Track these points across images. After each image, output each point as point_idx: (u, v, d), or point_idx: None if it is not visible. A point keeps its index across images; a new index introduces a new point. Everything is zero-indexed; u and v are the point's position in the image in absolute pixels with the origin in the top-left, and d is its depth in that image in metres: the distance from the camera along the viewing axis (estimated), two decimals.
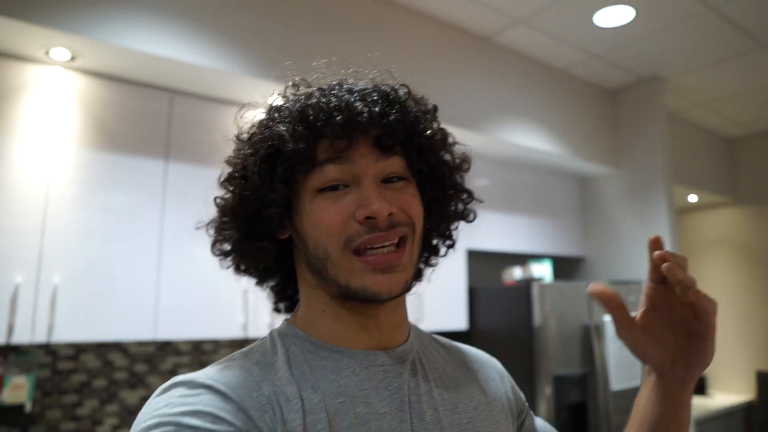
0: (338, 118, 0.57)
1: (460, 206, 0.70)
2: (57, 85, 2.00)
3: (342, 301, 0.61)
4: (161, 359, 2.42)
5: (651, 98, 3.53)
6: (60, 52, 1.92)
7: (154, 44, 1.98)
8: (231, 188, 0.62)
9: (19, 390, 1.93)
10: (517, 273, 3.07)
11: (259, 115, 0.65)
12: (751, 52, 3.17)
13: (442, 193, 0.67)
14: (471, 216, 0.72)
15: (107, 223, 2.02)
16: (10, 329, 1.79)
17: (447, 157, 0.68)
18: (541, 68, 3.34)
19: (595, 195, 3.78)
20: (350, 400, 0.57)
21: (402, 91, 0.64)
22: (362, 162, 0.58)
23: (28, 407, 1.94)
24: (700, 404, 3.90)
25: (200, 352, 2.53)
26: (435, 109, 0.68)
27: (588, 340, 2.84)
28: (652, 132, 3.49)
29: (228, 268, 0.66)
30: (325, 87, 0.63)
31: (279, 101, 0.64)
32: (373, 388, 0.59)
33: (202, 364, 2.51)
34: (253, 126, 0.64)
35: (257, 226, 0.61)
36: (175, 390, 0.52)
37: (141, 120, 2.15)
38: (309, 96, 0.61)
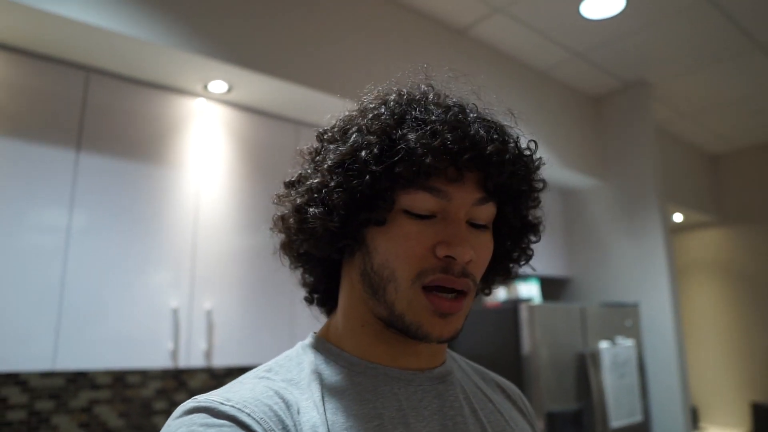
0: (470, 150, 0.54)
1: (514, 269, 0.68)
2: None
3: (385, 324, 0.58)
4: (72, 395, 1.97)
5: (638, 105, 3.28)
6: None
7: (61, 3, 1.61)
8: (333, 177, 0.56)
9: None
10: (501, 293, 2.72)
11: (370, 103, 0.61)
12: (745, 53, 2.95)
13: (514, 250, 0.66)
14: (514, 277, 0.71)
15: (1, 229, 1.61)
16: None
17: (536, 221, 0.66)
18: (521, 68, 3.07)
19: (580, 210, 3.48)
20: (388, 422, 0.54)
21: (530, 146, 0.63)
22: (460, 201, 0.56)
23: None
24: None
25: (124, 386, 2.08)
26: (545, 182, 0.64)
27: (583, 369, 2.48)
28: (640, 142, 3.23)
29: (282, 244, 0.63)
30: (453, 106, 0.58)
31: (400, 101, 0.60)
32: (411, 408, 0.57)
33: (125, 400, 2.06)
34: (374, 114, 0.58)
35: (350, 224, 0.56)
36: (197, 416, 0.48)
37: (49, 100, 1.76)
38: (444, 111, 0.57)
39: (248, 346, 2.03)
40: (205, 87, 2.05)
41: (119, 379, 2.08)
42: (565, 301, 3.45)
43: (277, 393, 0.53)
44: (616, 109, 3.39)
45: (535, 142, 0.64)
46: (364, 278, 0.58)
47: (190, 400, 0.50)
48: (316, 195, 0.57)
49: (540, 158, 0.64)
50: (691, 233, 4.65)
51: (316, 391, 0.55)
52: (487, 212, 0.58)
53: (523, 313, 2.37)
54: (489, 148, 0.55)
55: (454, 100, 0.62)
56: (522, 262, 0.68)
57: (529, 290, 2.70)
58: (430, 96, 0.62)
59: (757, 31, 2.75)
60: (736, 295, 4.28)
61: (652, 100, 3.29)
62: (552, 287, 3.51)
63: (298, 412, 0.52)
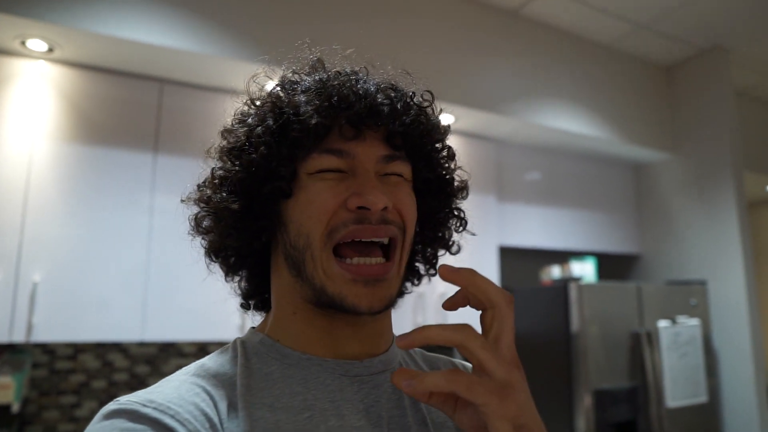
0: (360, 103, 0.54)
1: (448, 234, 0.66)
2: (36, 77, 1.94)
3: (316, 306, 0.56)
4: (164, 361, 2.32)
5: (713, 73, 3.08)
6: (37, 44, 1.85)
7: (137, 31, 1.87)
8: (232, 159, 0.57)
9: (5, 390, 1.87)
10: (555, 272, 2.75)
11: (269, 86, 0.61)
12: None
13: (439, 209, 0.63)
14: (455, 248, 0.67)
15: (92, 218, 1.93)
16: None
17: (451, 176, 0.65)
18: (580, 44, 3.00)
19: (651, 185, 3.36)
20: (320, 414, 0.52)
21: (425, 96, 0.62)
22: (365, 158, 0.55)
23: (16, 407, 1.88)
24: None
25: (205, 354, 2.40)
26: (448, 127, 0.65)
27: (638, 349, 2.47)
28: (716, 111, 3.04)
29: (206, 249, 0.61)
30: (343, 72, 0.59)
31: (293, 78, 0.61)
32: (345, 401, 0.54)
33: None
34: (262, 97, 0.60)
35: (259, 202, 0.57)
36: (117, 421, 0.45)
37: (129, 111, 2.05)
38: (329, 77, 0.58)
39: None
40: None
41: (202, 349, 2.40)
42: (634, 278, 3.37)
43: (204, 390, 0.51)
44: (690, 77, 3.21)
45: (430, 92, 0.63)
46: (287, 260, 0.57)
47: (112, 401, 0.48)
48: (218, 182, 0.58)
49: (441, 109, 0.64)
50: None
51: (245, 386, 0.53)
52: (398, 167, 0.58)
53: (572, 292, 2.41)
54: (379, 98, 0.55)
55: (347, 69, 0.61)
56: (452, 224, 0.66)
57: (582, 269, 2.70)
58: (319, 70, 0.62)
59: None
60: None
61: (730, 66, 3.08)
62: (619, 264, 3.45)
63: (227, 409, 0.50)
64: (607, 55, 3.09)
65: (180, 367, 2.23)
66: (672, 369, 2.51)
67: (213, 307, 2.07)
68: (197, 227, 0.60)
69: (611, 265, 3.38)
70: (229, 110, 0.63)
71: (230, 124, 0.61)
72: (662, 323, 2.55)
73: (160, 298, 1.98)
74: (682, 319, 2.64)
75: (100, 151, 1.98)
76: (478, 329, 0.47)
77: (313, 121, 0.53)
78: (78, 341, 1.89)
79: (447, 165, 0.64)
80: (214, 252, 0.61)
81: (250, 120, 0.58)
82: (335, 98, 0.54)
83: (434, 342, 0.44)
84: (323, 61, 0.63)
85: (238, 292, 0.67)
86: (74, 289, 1.87)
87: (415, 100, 0.60)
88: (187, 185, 0.63)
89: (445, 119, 2.59)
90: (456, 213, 0.66)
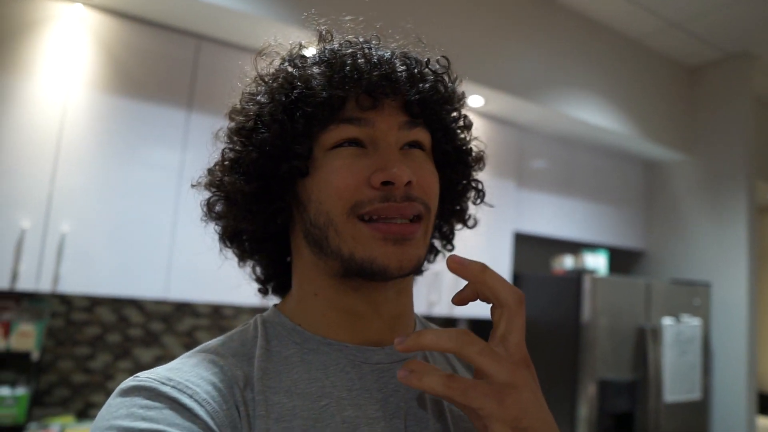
0: (375, 72, 0.52)
1: (465, 207, 0.65)
2: (77, 23, 1.88)
3: (340, 282, 0.54)
4: (178, 320, 2.32)
5: (737, 78, 3.10)
6: None
7: None
8: (244, 140, 0.55)
9: (26, 337, 1.86)
10: (568, 262, 2.79)
11: (277, 62, 0.58)
12: None
13: (458, 182, 0.62)
14: (471, 221, 0.66)
15: (122, 172, 1.90)
16: (15, 275, 1.71)
17: (468, 147, 0.63)
18: (611, 36, 2.99)
19: (662, 183, 3.40)
20: (337, 403, 0.50)
21: (441, 62, 0.59)
22: (384, 126, 0.53)
23: (36, 355, 1.88)
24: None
25: (220, 317, 2.42)
26: (464, 94, 0.62)
27: (642, 343, 2.54)
28: (735, 117, 3.08)
29: (220, 235, 0.60)
30: (355, 41, 0.57)
31: (303, 51, 0.58)
32: (364, 389, 0.52)
33: (221, 329, 2.40)
34: (272, 74, 0.57)
35: (274, 183, 0.54)
36: (136, 398, 0.45)
37: (164, 65, 2.01)
38: (341, 46, 0.55)
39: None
40: None
41: (216, 310, 2.41)
42: (638, 274, 3.44)
43: (223, 369, 0.50)
44: (714, 81, 3.23)
45: (446, 58, 0.60)
46: (308, 239, 0.55)
47: (131, 377, 0.48)
48: (229, 164, 0.56)
49: (457, 77, 0.61)
50: None
51: (263, 369, 0.51)
52: (418, 134, 0.55)
53: (587, 284, 2.45)
54: (396, 65, 0.53)
55: (360, 38, 0.59)
56: (470, 197, 0.64)
57: (595, 261, 2.75)
58: (328, 41, 0.59)
59: None
60: None
61: (754, 73, 3.10)
62: (624, 259, 3.51)
63: (245, 390, 0.49)
64: (635, 50, 3.09)
65: (194, 327, 2.23)
66: (672, 365, 2.59)
67: (237, 270, 2.07)
68: (209, 212, 0.59)
69: (617, 259, 3.44)
70: (238, 90, 0.60)
71: (239, 103, 0.58)
72: (667, 320, 2.62)
73: (185, 257, 1.97)
74: (686, 318, 2.70)
75: (135, 104, 1.94)
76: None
77: (326, 93, 0.51)
78: (103, 294, 1.88)
79: (464, 135, 0.62)
80: (228, 237, 0.60)
81: (260, 98, 0.55)
82: (348, 68, 0.52)
83: (429, 349, 0.45)
84: (332, 32, 0.60)
85: (253, 277, 0.66)
86: (101, 242, 1.85)
87: (431, 67, 0.57)
88: (214, 149, 0.59)
89: (474, 101, 2.59)
90: (474, 185, 0.64)
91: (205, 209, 0.59)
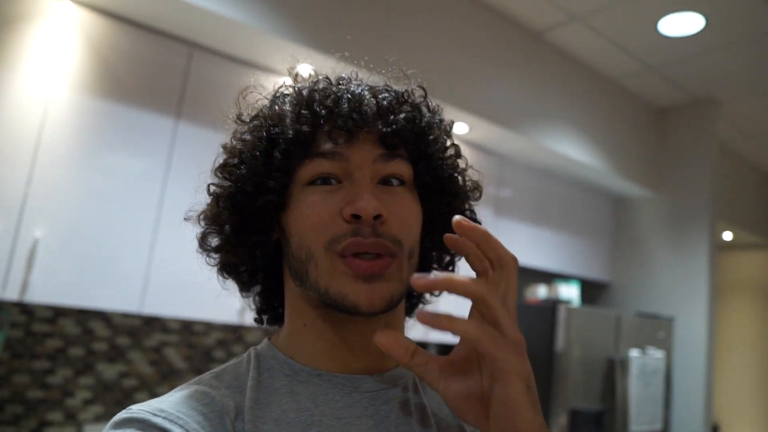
0: (344, 107, 0.53)
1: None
2: (65, 20, 1.80)
3: (326, 314, 0.55)
4: (147, 335, 2.22)
5: (703, 122, 3.27)
6: None
7: None
8: (226, 175, 0.57)
9: None
10: (541, 291, 2.84)
11: (261, 101, 0.61)
12: None
13: (444, 212, 0.59)
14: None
15: (102, 178, 1.82)
16: None
17: (458, 176, 0.62)
18: (591, 74, 3.10)
19: (629, 218, 3.53)
20: (326, 431, 0.51)
21: (417, 94, 0.59)
22: (358, 159, 0.53)
23: None
24: None
25: (190, 333, 2.32)
26: (451, 123, 0.62)
27: (611, 374, 2.59)
28: (700, 159, 3.23)
29: (215, 266, 0.61)
30: (330, 79, 0.59)
31: (284, 90, 0.60)
32: (354, 417, 0.53)
33: (191, 346, 2.30)
34: (254, 111, 0.60)
35: (252, 217, 0.56)
36: (129, 429, 0.46)
37: (154, 71, 1.95)
38: (316, 83, 0.58)
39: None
40: None
41: (187, 327, 2.31)
42: (602, 305, 3.53)
43: (214, 400, 0.51)
44: (681, 123, 3.39)
45: (422, 88, 0.61)
46: (291, 270, 0.56)
47: (124, 410, 0.49)
48: (213, 199, 0.59)
49: (437, 105, 0.61)
50: (739, 253, 4.60)
51: (254, 399, 0.53)
52: (396, 167, 0.55)
53: (561, 314, 2.49)
54: (365, 99, 0.54)
55: (339, 75, 0.60)
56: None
57: (569, 292, 2.80)
58: (309, 79, 0.61)
59: None
60: None
61: (718, 118, 3.28)
62: (591, 290, 3.60)
63: (235, 421, 0.50)
64: (612, 88, 3.21)
65: (163, 342, 2.13)
66: (637, 396, 2.65)
67: (216, 287, 2.00)
68: (202, 245, 0.60)
69: (584, 290, 3.52)
70: (227, 114, 0.62)
71: (229, 141, 0.60)
72: (633, 352, 2.69)
73: (163, 272, 1.89)
74: (651, 351, 2.78)
75: (120, 109, 1.86)
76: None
77: (295, 129, 0.53)
78: (74, 306, 1.77)
79: (450, 164, 0.61)
80: (224, 270, 0.61)
81: (245, 136, 0.58)
82: (316, 103, 0.54)
83: (456, 292, 0.43)
84: (313, 71, 0.62)
85: (253, 306, 0.66)
86: (76, 250, 1.75)
87: (408, 98, 0.57)
88: (204, 158, 0.61)
89: (459, 128, 2.62)
90: (468, 213, 0.63)
91: (199, 241, 0.61)
